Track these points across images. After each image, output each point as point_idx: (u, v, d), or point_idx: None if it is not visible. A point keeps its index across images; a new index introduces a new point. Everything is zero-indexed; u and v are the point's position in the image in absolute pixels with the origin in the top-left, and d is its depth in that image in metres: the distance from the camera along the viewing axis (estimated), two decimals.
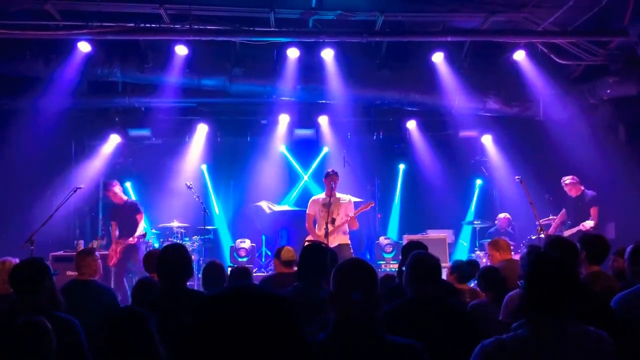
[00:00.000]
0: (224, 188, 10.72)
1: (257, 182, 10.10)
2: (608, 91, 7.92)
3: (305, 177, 10.70)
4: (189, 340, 1.00)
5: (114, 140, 9.76)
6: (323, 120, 10.04)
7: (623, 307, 3.01)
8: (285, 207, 10.11)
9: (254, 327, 0.98)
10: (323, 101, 9.30)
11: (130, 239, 7.31)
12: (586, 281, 3.47)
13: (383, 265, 8.44)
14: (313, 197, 6.96)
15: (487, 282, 4.12)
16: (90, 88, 9.10)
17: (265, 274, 8.16)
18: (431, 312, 2.73)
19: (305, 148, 10.59)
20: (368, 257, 9.26)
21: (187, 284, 3.32)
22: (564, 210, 8.02)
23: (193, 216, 9.06)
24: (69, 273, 6.30)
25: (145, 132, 9.80)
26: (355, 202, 6.95)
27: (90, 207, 10.04)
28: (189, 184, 8.57)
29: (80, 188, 6.83)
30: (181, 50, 7.87)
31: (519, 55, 8.14)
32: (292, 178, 10.76)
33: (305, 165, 10.74)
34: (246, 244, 8.80)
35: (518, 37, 7.82)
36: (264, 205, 9.91)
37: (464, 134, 9.91)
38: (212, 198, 10.50)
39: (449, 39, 7.50)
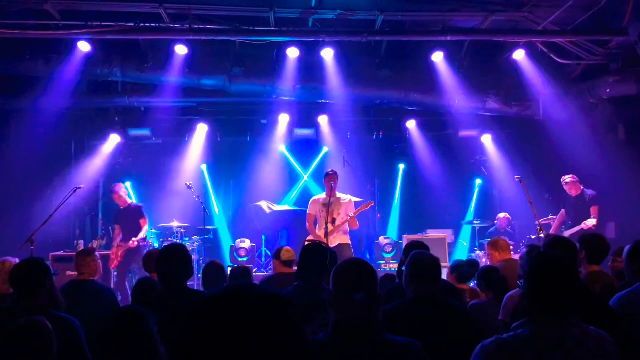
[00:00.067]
0: (224, 188, 10.72)
1: (257, 182, 10.10)
2: (608, 90, 7.92)
3: (305, 177, 10.70)
4: (188, 339, 1.00)
5: (114, 140, 9.76)
6: (323, 120, 10.04)
7: (623, 307, 3.01)
8: (285, 207, 10.11)
9: (253, 327, 0.98)
10: (323, 101, 9.31)
11: (131, 242, 7.28)
12: (586, 281, 3.48)
13: (383, 265, 8.44)
14: (314, 197, 6.96)
15: (487, 282, 4.12)
16: (90, 88, 9.10)
17: (265, 274, 8.17)
18: (431, 312, 2.72)
19: (305, 148, 10.59)
20: (368, 257, 9.26)
21: (187, 284, 3.32)
22: (563, 210, 8.01)
23: (193, 216, 9.07)
24: (69, 273, 6.33)
25: (145, 132, 9.80)
26: (355, 202, 6.95)
27: (90, 207, 10.04)
28: (189, 184, 8.57)
29: (80, 188, 6.82)
30: (181, 49, 7.87)
31: (519, 55, 8.14)
32: (292, 178, 10.76)
33: (305, 165, 10.74)
34: (246, 244, 8.81)
35: (518, 37, 7.82)
36: (264, 205, 9.91)
37: (464, 133, 9.91)
38: (212, 198, 10.50)
39: (448, 38, 7.50)
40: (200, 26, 7.27)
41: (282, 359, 0.99)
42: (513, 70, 8.46)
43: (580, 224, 7.43)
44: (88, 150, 9.93)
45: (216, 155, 10.40)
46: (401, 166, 10.67)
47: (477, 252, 8.67)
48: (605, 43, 7.66)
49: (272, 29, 7.37)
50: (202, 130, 10.04)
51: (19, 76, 8.46)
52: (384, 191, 10.50)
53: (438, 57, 8.33)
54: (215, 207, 10.53)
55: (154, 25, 7.33)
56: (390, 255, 8.56)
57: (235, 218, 10.66)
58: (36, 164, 8.44)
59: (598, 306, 2.87)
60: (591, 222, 7.31)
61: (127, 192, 7.85)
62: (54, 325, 2.42)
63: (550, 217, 8.25)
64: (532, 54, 8.20)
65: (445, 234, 8.67)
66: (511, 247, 5.49)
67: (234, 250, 8.76)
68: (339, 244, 6.44)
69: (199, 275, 6.26)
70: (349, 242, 6.69)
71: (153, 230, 9.06)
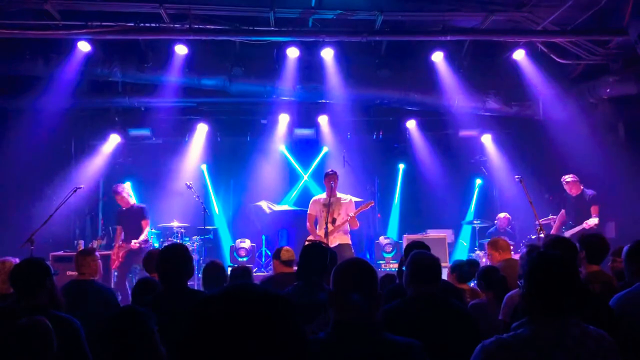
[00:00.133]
0: (223, 188, 10.72)
1: (257, 182, 10.11)
2: (608, 90, 7.92)
3: (305, 177, 10.70)
4: (188, 339, 1.00)
5: (114, 140, 9.76)
6: (323, 120, 10.04)
7: (622, 307, 3.01)
8: (285, 207, 10.11)
9: (253, 327, 0.98)
10: (323, 101, 9.31)
11: (133, 243, 7.25)
12: (586, 281, 3.48)
13: (383, 265, 8.44)
14: (314, 197, 6.97)
15: (487, 282, 4.12)
16: (90, 88, 9.10)
17: (265, 274, 8.17)
18: (431, 312, 2.73)
19: (305, 148, 10.59)
20: (368, 257, 9.26)
21: (187, 283, 3.32)
22: (563, 211, 8.00)
23: (193, 216, 9.06)
24: (69, 273, 6.32)
25: (145, 132, 9.80)
26: (355, 202, 6.95)
27: (90, 207, 10.03)
28: (189, 184, 8.57)
29: (80, 188, 6.80)
30: (181, 49, 7.87)
31: (519, 55, 8.15)
32: (292, 178, 10.76)
33: (305, 165, 10.74)
34: (246, 243, 8.81)
35: (518, 37, 7.83)
36: (264, 205, 9.91)
37: (464, 133, 9.91)
38: (212, 198, 10.50)
39: (448, 38, 7.50)
40: (200, 26, 7.27)
41: (282, 359, 0.99)
42: (513, 70, 8.46)
43: (580, 223, 7.44)
44: (88, 150, 9.93)
45: (216, 155, 10.40)
46: (401, 166, 10.67)
47: (477, 252, 8.68)
48: (605, 43, 7.66)
49: (272, 29, 7.38)
50: (202, 130, 10.04)
51: (19, 76, 8.46)
52: (384, 191, 10.50)
53: (438, 57, 8.34)
54: (215, 207, 10.53)
55: (154, 25, 7.33)
56: (390, 255, 8.56)
57: (235, 218, 10.66)
58: (36, 164, 8.44)
59: (598, 306, 2.87)
60: (593, 221, 7.31)
61: (129, 192, 7.76)
62: (54, 325, 2.42)
63: (550, 217, 8.25)
64: (532, 53, 8.20)
65: (445, 234, 8.67)
66: (511, 247, 5.49)
67: (234, 250, 8.76)
68: (339, 244, 6.44)
69: (199, 275, 6.26)
70: (349, 242, 6.69)
71: (153, 230, 9.05)
